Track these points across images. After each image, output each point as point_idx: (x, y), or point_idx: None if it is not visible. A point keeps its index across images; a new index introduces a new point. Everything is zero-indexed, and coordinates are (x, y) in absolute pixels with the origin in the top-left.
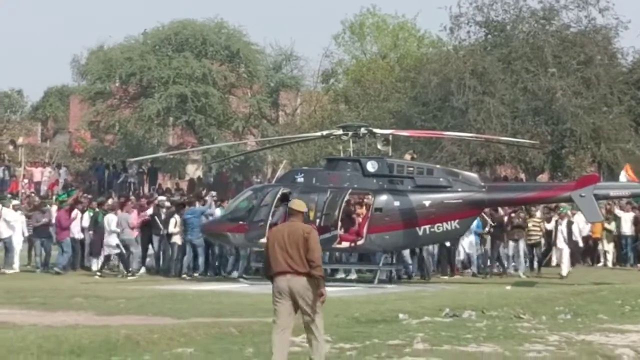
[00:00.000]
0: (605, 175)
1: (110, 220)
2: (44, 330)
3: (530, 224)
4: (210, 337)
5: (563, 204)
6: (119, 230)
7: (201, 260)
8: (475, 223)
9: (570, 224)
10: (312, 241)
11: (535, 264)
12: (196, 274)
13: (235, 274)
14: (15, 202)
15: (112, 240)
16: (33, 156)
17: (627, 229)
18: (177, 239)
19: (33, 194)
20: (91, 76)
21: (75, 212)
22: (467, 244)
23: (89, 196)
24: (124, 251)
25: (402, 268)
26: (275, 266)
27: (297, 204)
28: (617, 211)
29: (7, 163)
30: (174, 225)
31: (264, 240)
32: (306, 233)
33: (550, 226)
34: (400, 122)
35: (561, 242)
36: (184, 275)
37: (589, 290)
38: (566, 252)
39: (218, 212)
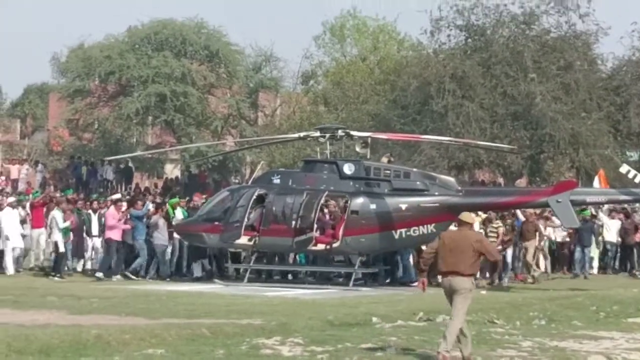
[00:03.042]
0: (583, 181)
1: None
2: (14, 329)
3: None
4: (181, 338)
5: None
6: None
7: (139, 261)
8: None
9: None
10: (485, 244)
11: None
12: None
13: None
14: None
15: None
16: (11, 153)
17: (612, 237)
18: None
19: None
20: (70, 74)
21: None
22: None
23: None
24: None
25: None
26: (442, 266)
27: (467, 216)
28: (602, 217)
29: None
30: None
31: (239, 241)
32: (476, 241)
33: None
34: (379, 125)
35: None
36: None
37: (564, 296)
38: None
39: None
